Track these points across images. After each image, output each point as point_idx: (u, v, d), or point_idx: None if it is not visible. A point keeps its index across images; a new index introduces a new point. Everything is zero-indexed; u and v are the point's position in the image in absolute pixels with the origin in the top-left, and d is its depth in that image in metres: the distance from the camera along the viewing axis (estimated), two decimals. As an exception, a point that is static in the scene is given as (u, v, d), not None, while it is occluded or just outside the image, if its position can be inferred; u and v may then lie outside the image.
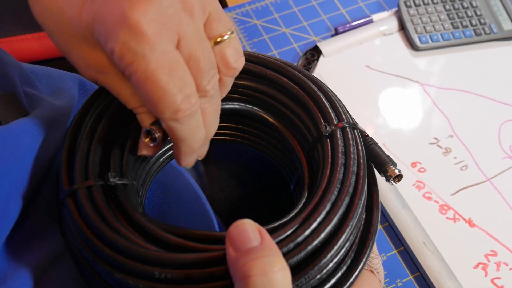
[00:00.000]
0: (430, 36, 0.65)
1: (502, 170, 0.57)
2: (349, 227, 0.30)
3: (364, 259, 0.31)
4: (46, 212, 0.36)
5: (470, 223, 0.53)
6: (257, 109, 0.40)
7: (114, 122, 0.34)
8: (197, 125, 0.32)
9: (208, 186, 0.61)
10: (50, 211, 0.36)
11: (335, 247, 0.28)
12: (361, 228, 0.33)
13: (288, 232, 0.28)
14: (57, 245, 0.35)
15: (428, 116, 0.61)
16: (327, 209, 0.30)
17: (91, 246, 0.29)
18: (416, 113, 0.61)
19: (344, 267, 0.30)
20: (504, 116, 0.61)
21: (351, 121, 0.36)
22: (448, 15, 0.67)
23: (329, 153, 0.33)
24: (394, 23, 0.68)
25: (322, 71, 0.64)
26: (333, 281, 0.29)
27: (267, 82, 0.39)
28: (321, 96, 0.36)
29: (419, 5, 0.67)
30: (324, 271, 0.28)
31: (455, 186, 0.56)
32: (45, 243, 0.35)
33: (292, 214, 0.31)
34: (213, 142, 0.37)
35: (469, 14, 0.67)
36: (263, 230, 0.26)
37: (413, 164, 0.57)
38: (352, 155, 0.33)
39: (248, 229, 0.25)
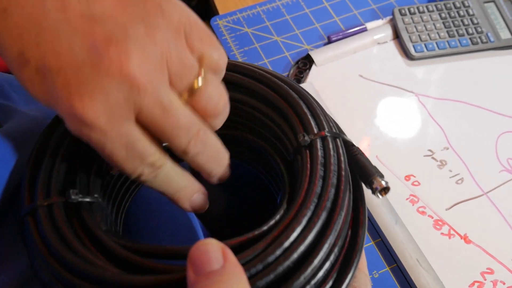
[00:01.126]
0: (425, 44, 0.63)
1: (499, 183, 0.55)
2: (327, 245, 0.27)
3: (347, 280, 0.29)
4: (17, 230, 0.35)
5: (465, 239, 0.51)
6: (235, 129, 0.39)
7: None
8: (169, 177, 0.31)
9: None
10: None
11: (310, 268, 0.26)
12: (346, 246, 0.31)
13: (257, 252, 0.26)
14: (28, 265, 0.34)
15: (423, 128, 0.59)
16: (302, 225, 0.27)
17: (47, 267, 0.28)
18: (410, 124, 0.59)
19: None
20: (501, 127, 0.59)
21: (334, 130, 0.34)
22: (443, 23, 0.65)
23: (308, 165, 0.31)
24: (388, 32, 0.66)
25: (314, 81, 0.62)
26: None
27: (245, 90, 0.37)
28: (301, 104, 0.34)
29: (414, 13, 0.65)
30: None
31: (450, 200, 0.53)
32: (16, 263, 0.33)
33: (265, 228, 0.29)
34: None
35: (466, 22, 0.65)
36: (228, 251, 0.24)
37: (407, 177, 0.55)
38: (332, 167, 0.30)
39: (210, 250, 0.24)
